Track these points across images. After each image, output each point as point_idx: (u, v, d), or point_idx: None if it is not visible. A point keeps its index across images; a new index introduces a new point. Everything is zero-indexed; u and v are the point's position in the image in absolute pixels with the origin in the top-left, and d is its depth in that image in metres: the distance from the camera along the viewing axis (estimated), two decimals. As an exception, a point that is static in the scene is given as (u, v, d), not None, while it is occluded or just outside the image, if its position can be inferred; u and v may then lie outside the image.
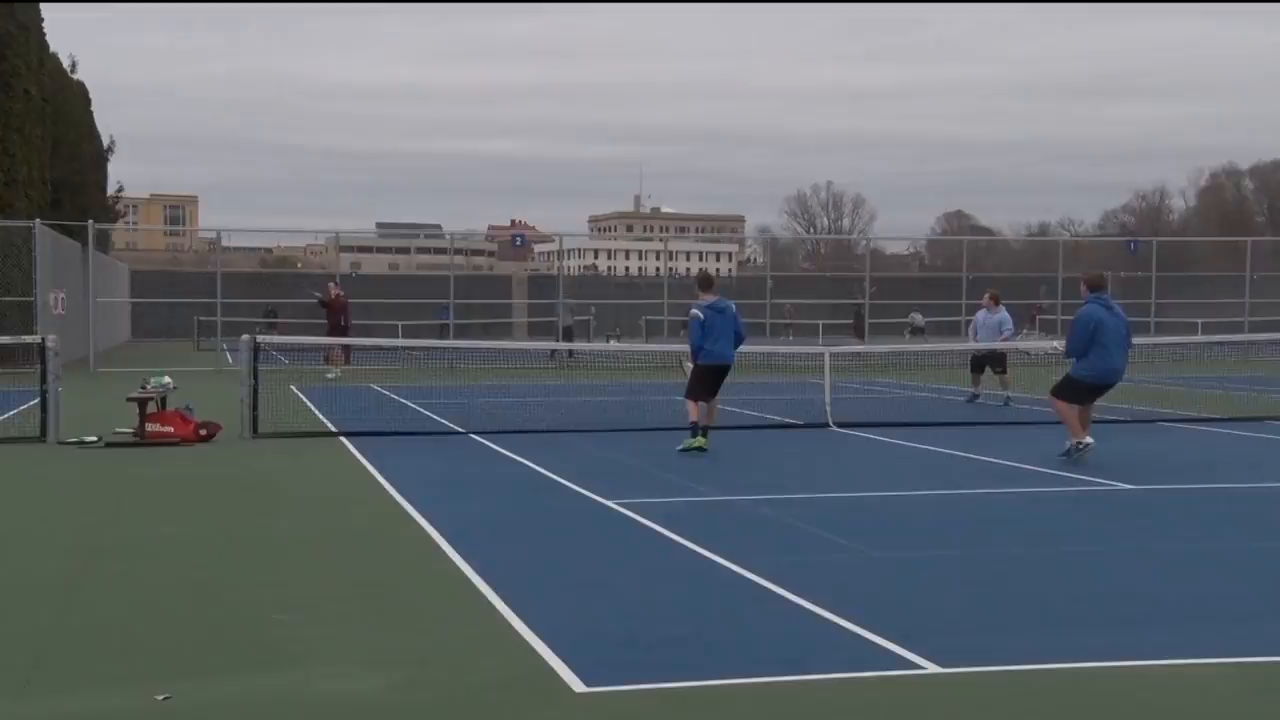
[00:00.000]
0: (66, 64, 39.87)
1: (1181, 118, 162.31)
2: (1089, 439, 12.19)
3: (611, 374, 26.67)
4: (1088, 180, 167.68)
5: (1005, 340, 19.44)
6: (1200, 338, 31.71)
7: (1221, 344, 27.58)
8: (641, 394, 20.66)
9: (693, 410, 13.03)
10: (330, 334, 26.04)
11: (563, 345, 28.71)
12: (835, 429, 15.54)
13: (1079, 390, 12.39)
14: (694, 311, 13.12)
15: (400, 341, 29.81)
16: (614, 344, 36.18)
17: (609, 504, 9.76)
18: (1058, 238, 79.00)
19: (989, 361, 19.42)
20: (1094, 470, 11.50)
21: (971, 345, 20.07)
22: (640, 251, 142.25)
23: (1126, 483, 10.85)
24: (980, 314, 20.02)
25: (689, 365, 13.85)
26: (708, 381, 13.15)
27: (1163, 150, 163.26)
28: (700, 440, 12.86)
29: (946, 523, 9.13)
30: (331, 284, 28.11)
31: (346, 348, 26.05)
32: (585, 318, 41.21)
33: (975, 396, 19.34)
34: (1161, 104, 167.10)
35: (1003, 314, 19.68)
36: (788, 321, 48.34)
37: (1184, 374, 24.86)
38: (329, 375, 24.88)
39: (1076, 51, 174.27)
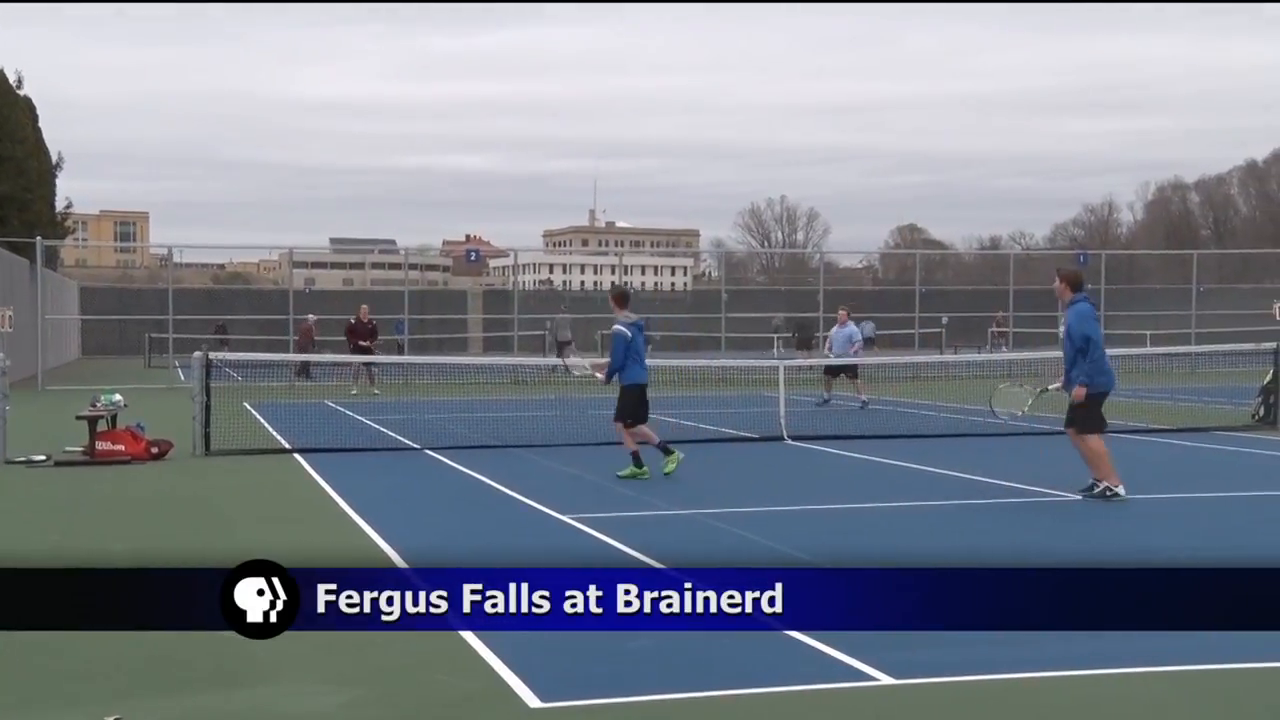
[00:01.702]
0: (12, 79, 39.42)
1: (1131, 131, 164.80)
2: (1121, 488, 10.60)
3: (563, 388, 26.66)
4: (1039, 194, 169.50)
5: (856, 351, 22.54)
6: (1148, 349, 32.17)
7: (1170, 356, 28.00)
8: (596, 408, 20.67)
9: (628, 438, 12.29)
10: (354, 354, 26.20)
11: (569, 361, 28.84)
12: (790, 442, 15.63)
13: (1099, 407, 10.70)
14: (619, 329, 12.40)
15: (409, 359, 29.59)
16: (570, 359, 36.14)
17: (562, 518, 9.77)
18: (1009, 251, 79.98)
19: (842, 369, 22.11)
20: (1043, 481, 11.63)
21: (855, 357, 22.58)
22: (595, 265, 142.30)
23: (1075, 493, 10.99)
24: (834, 329, 23.33)
25: (584, 365, 13.87)
26: (641, 403, 12.46)
27: (1112, 164, 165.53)
28: (644, 470, 12.12)
29: (905, 533, 9.20)
30: (363, 306, 28.13)
31: (369, 366, 25.98)
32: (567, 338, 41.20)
33: (827, 400, 21.90)
34: (1112, 119, 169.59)
35: (851, 328, 22.89)
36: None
37: (1133, 385, 25.20)
38: (352, 392, 24.95)
39: (1030, 67, 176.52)
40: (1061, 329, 11.06)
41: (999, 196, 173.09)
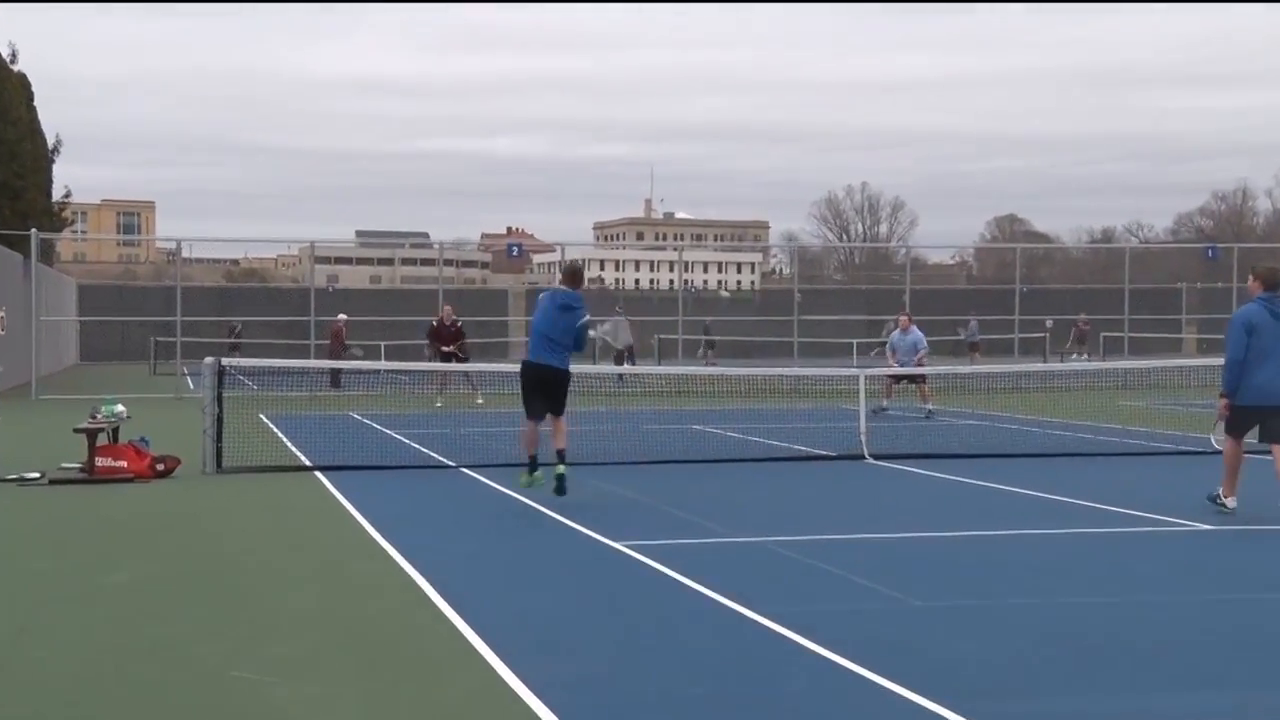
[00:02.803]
0: (5, 53, 40.22)
1: (1265, 107, 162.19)
2: (1230, 502, 11.18)
3: (616, 401, 26.69)
4: (1159, 180, 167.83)
5: (920, 360, 23.29)
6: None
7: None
8: (652, 422, 20.69)
9: (522, 436, 12.12)
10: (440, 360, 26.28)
11: (629, 369, 29.14)
12: (871, 461, 15.54)
13: (1236, 416, 11.25)
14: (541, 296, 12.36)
15: (387, 364, 29.91)
16: (626, 366, 36.23)
17: (613, 545, 9.78)
18: (1124, 244, 79.16)
19: (908, 378, 22.78)
20: (1171, 508, 11.48)
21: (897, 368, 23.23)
22: (652, 262, 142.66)
23: (1207, 523, 10.82)
24: (894, 334, 24.13)
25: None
26: (530, 391, 12.02)
27: (1244, 145, 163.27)
28: (536, 476, 11.90)
29: (997, 567, 9.12)
30: (447, 306, 28.24)
31: (468, 374, 26.13)
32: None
33: (884, 409, 22.61)
34: (1242, 92, 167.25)
35: (917, 333, 23.76)
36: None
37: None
38: (437, 404, 25.30)
39: (1144, 35, 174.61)
40: None
41: (1111, 183, 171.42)
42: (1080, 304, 47.90)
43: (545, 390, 12.02)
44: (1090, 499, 12.14)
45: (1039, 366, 34.07)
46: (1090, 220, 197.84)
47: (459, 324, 27.00)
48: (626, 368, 32.08)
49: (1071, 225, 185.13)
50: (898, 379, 23.07)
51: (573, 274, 12.44)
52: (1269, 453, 11.42)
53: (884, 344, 28.63)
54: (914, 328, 23.86)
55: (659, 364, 38.68)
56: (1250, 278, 11.58)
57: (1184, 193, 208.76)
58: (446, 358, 26.01)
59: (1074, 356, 42.07)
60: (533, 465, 12.10)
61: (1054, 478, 13.80)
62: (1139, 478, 14.18)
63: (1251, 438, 11.45)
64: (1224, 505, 11.25)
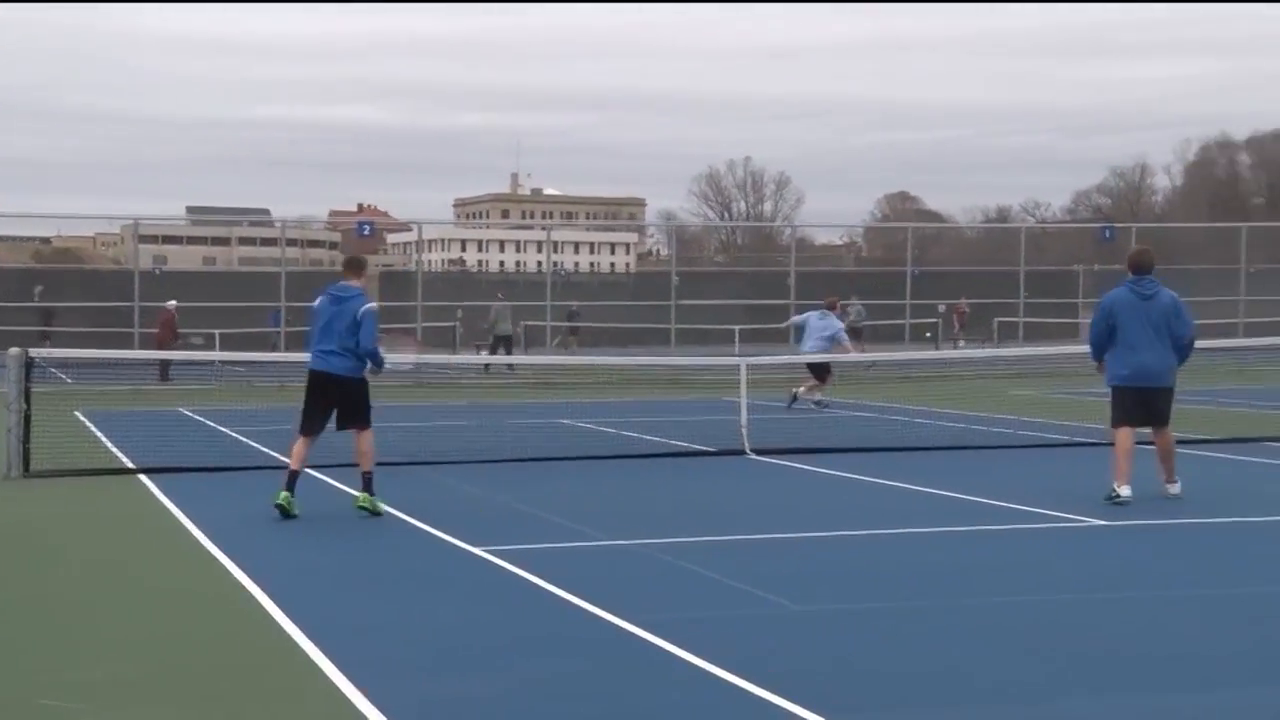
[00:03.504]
0: None
1: (1166, 80, 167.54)
2: (1124, 490, 11.76)
3: (477, 394, 26.60)
4: (1056, 155, 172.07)
5: (840, 347, 23.30)
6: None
7: (1212, 351, 28.42)
8: (517, 416, 20.66)
9: (293, 449, 11.65)
10: None
11: (501, 359, 28.90)
12: (752, 457, 15.70)
13: (1120, 403, 12.07)
14: (374, 305, 11.74)
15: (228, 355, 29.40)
16: (484, 356, 36.15)
17: (474, 551, 9.75)
18: (1019, 224, 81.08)
19: (820, 367, 23.00)
20: (1061, 503, 11.79)
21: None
22: (518, 243, 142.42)
23: (1100, 518, 11.14)
24: (812, 315, 23.87)
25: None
26: (310, 402, 11.70)
27: (1145, 118, 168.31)
28: (285, 497, 11.25)
29: (882, 569, 9.27)
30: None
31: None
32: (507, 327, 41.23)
33: (797, 400, 22.84)
34: (1143, 64, 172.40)
35: (838, 322, 23.75)
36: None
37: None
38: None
39: (1044, 3, 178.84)
40: None
41: (1008, 158, 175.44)
42: (974, 287, 48.87)
43: (329, 400, 11.58)
44: (982, 494, 12.42)
45: (929, 354, 34.73)
46: (985, 198, 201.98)
47: None
48: (500, 357, 32.02)
49: (965, 204, 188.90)
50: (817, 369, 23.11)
51: (350, 264, 12.04)
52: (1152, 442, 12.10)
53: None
54: (832, 314, 23.73)
55: (525, 353, 38.60)
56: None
57: (1082, 169, 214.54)
58: None
59: (958, 344, 42.95)
60: (289, 484, 11.39)
61: (944, 472, 14.08)
62: (1033, 471, 14.55)
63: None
64: (1117, 495, 11.77)
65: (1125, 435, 11.97)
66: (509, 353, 34.86)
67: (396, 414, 20.60)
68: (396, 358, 15.07)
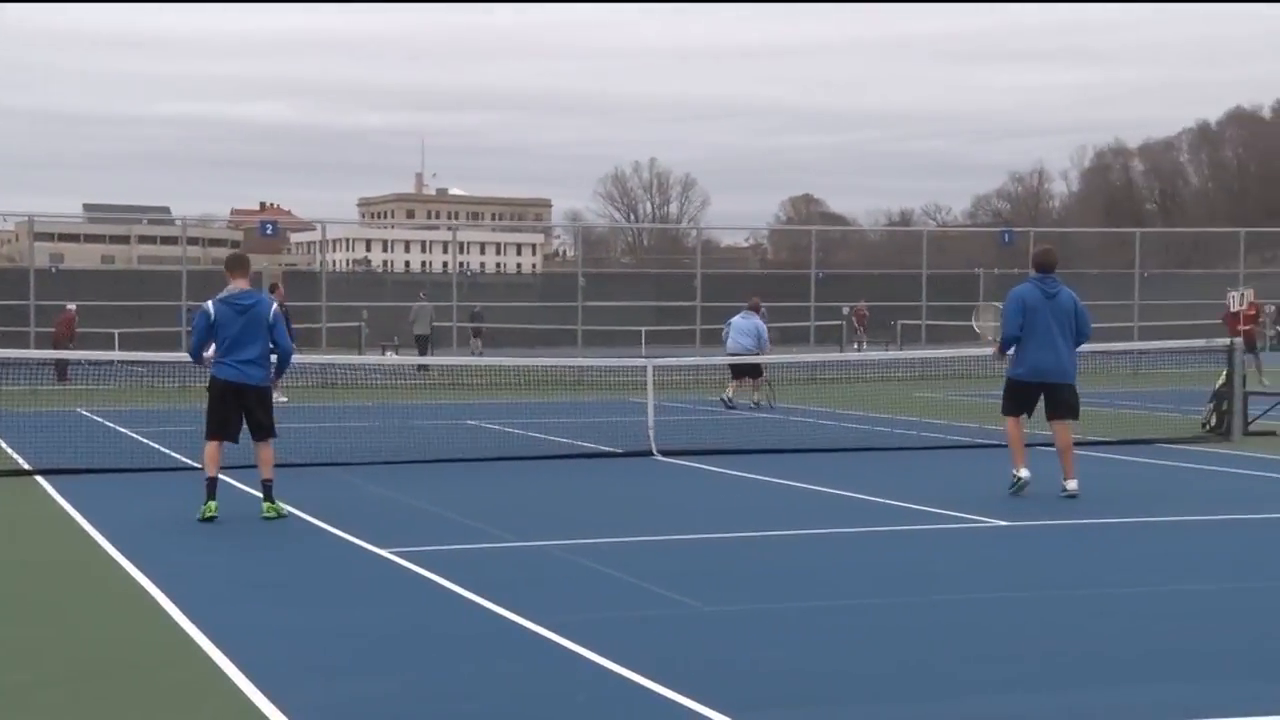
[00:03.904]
0: None
1: (1065, 85, 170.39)
2: (1023, 472, 12.35)
3: (383, 394, 26.42)
4: (957, 160, 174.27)
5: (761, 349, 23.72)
6: (1083, 346, 33.24)
7: (1107, 354, 29.02)
8: (423, 416, 20.53)
9: (207, 454, 11.40)
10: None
11: (426, 360, 28.62)
12: (659, 458, 15.75)
13: (1014, 395, 12.60)
14: (205, 305, 11.40)
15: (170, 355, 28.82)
16: (390, 356, 35.89)
17: (379, 552, 9.69)
18: (921, 228, 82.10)
19: (746, 369, 23.47)
20: (962, 505, 11.95)
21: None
22: (424, 243, 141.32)
23: (1002, 518, 11.32)
24: (738, 318, 24.19)
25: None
26: (221, 409, 11.37)
27: (1043, 124, 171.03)
28: (212, 507, 11.11)
29: (791, 569, 9.35)
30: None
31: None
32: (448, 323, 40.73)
33: (729, 402, 23.15)
34: (1043, 69, 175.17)
35: (760, 322, 24.10)
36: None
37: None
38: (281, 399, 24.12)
39: (947, 6, 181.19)
40: None
41: (910, 163, 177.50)
42: (877, 289, 49.39)
43: (243, 407, 11.34)
44: (886, 495, 12.56)
45: (834, 356, 35.03)
46: (888, 202, 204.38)
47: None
48: (418, 358, 31.80)
49: (869, 207, 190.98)
50: (741, 372, 23.52)
51: (234, 263, 11.62)
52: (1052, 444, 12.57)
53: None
54: (755, 314, 24.17)
55: (432, 354, 38.36)
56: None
57: (982, 174, 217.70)
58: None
59: (854, 346, 43.35)
60: (211, 492, 11.25)
61: (849, 473, 14.23)
62: (935, 472, 14.73)
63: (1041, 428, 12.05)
64: (1018, 478, 12.37)
65: (1015, 423, 12.57)
66: (425, 353, 34.65)
67: (302, 414, 20.39)
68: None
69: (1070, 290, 12.72)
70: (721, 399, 23.28)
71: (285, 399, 24.42)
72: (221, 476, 11.56)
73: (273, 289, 25.85)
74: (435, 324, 38.06)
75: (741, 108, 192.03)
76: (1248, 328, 28.11)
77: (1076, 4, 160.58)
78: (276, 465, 11.53)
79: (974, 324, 11.92)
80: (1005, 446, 12.80)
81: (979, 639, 7.29)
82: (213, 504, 11.17)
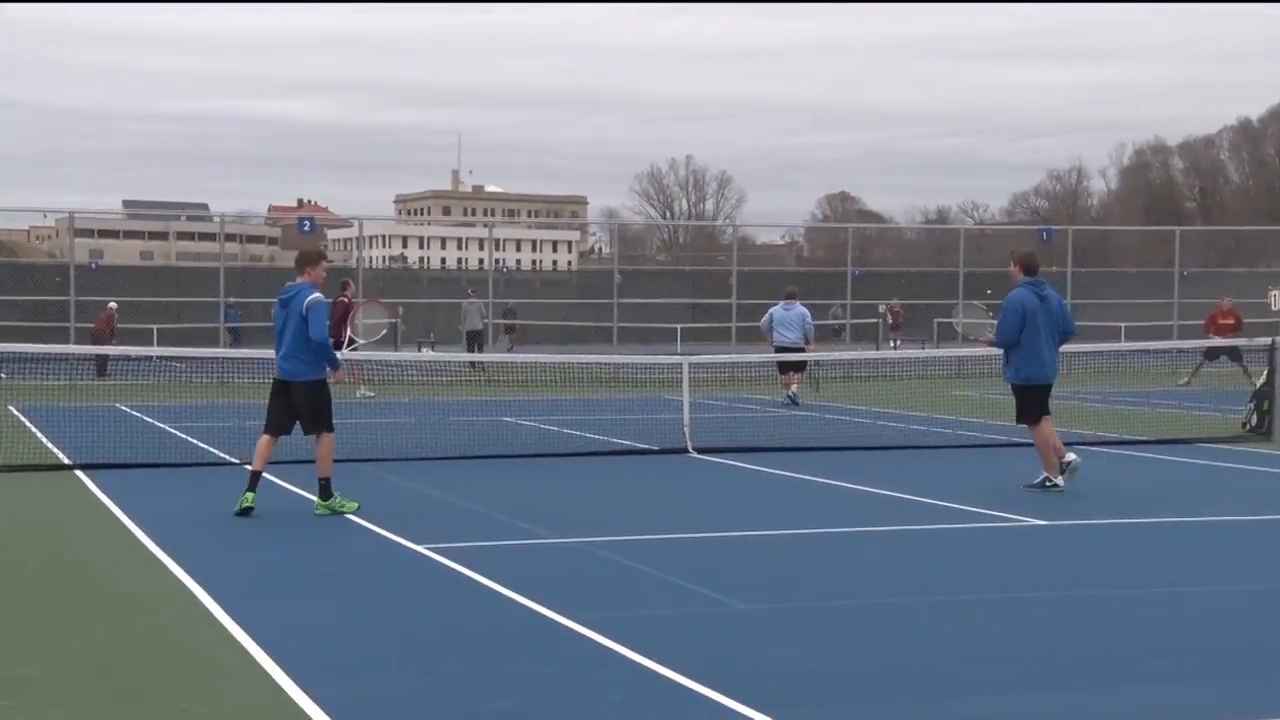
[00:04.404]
0: None
1: (1104, 83, 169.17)
2: (1060, 479, 12.64)
3: (420, 391, 26.49)
4: (995, 158, 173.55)
5: (808, 339, 23.70)
6: (1123, 344, 32.99)
7: (1147, 352, 28.86)
8: (460, 413, 20.58)
9: (257, 448, 11.48)
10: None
11: (476, 356, 28.78)
12: (695, 455, 15.74)
13: (1035, 399, 12.82)
14: (317, 295, 11.42)
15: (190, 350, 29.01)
16: (427, 354, 35.98)
17: (416, 548, 9.72)
18: (959, 225, 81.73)
19: (792, 363, 23.43)
20: (998, 503, 11.90)
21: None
22: (460, 240, 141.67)
23: (1038, 518, 11.25)
24: (779, 307, 23.93)
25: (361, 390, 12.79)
26: (270, 403, 11.62)
27: (1082, 122, 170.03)
28: (249, 499, 11.20)
29: (829, 567, 9.33)
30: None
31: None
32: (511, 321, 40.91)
33: (795, 400, 23.13)
34: (1082, 67, 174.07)
35: (800, 308, 23.88)
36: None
37: (1103, 388, 25.87)
38: (368, 393, 24.31)
39: (982, 5, 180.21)
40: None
41: (946, 161, 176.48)
42: (914, 287, 49.19)
43: (289, 402, 11.45)
44: (924, 494, 12.51)
45: (870, 354, 34.88)
46: (925, 199, 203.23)
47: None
48: (470, 355, 31.87)
49: (905, 204, 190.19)
50: (789, 366, 23.44)
51: (298, 260, 11.84)
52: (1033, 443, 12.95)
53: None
54: (797, 303, 24.00)
55: (468, 351, 38.45)
56: (1011, 264, 13.17)
57: (1020, 172, 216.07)
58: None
59: (889, 344, 43.16)
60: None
61: (887, 471, 14.18)
62: (972, 471, 14.66)
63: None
64: (1057, 484, 12.59)
65: (1050, 425, 12.79)
66: (480, 349, 34.76)
67: (340, 412, 20.48)
68: (346, 354, 14.92)
69: (1055, 291, 13.26)
70: (788, 397, 23.30)
71: (372, 393, 24.56)
72: (265, 474, 11.59)
73: (344, 287, 26.11)
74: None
75: (776, 106, 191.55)
76: (1229, 322, 28.27)
77: (1116, 2, 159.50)
78: (304, 463, 11.52)
79: (955, 322, 11.95)
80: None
81: (1018, 638, 7.24)
82: (250, 495, 11.20)
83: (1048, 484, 12.62)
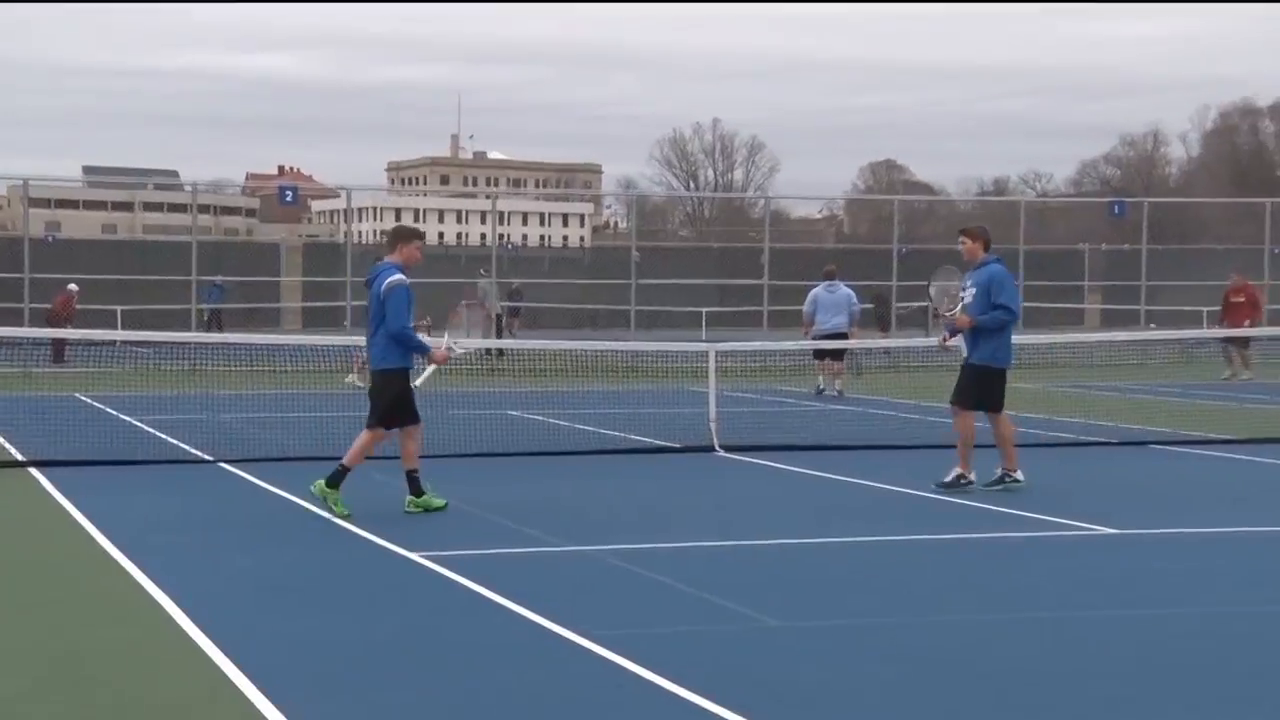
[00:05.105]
0: None
1: (1185, 36, 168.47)
2: (1021, 473, 12.95)
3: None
4: (1060, 121, 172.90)
5: (854, 323, 24.04)
6: (1204, 331, 32.80)
7: (1232, 340, 28.69)
8: (460, 406, 20.61)
9: (407, 454, 11.82)
10: None
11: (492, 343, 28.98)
12: (722, 454, 15.74)
13: (1003, 386, 13.07)
14: (397, 277, 11.56)
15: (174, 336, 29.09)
16: (462, 341, 35.91)
17: (410, 556, 9.74)
18: (1019, 198, 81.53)
19: (829, 350, 23.49)
20: (1062, 509, 11.87)
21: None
22: (460, 212, 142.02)
23: (1108, 525, 11.23)
24: (820, 289, 24.13)
25: (426, 368, 12.99)
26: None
27: (1160, 80, 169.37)
28: (329, 492, 11.41)
29: (870, 580, 9.33)
30: None
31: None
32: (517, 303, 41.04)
33: (823, 390, 23.60)
34: (1159, 18, 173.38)
35: (845, 289, 24.04)
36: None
37: (1183, 380, 25.81)
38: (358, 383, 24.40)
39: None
40: (964, 296, 12.95)
41: (1004, 125, 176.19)
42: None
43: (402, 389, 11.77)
44: (976, 498, 12.49)
45: (920, 342, 34.84)
46: (980, 168, 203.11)
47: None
48: (499, 341, 31.88)
49: (958, 174, 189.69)
50: (824, 353, 23.66)
51: (389, 237, 12.17)
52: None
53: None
54: (840, 283, 24.20)
55: (467, 334, 38.53)
56: (965, 239, 13.10)
57: (1088, 137, 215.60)
58: None
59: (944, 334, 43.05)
60: (335, 477, 11.44)
61: (935, 473, 14.13)
62: (1034, 473, 14.61)
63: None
64: (1017, 480, 12.83)
65: (1006, 420, 13.07)
66: (496, 334, 34.85)
67: (318, 403, 20.55)
68: (467, 342, 15.19)
69: None
70: (823, 388, 23.55)
71: (362, 384, 24.48)
72: (230, 468, 11.63)
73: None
74: (469, 303, 38.21)
75: (814, 62, 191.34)
76: (1240, 300, 28.09)
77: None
78: (285, 460, 11.56)
79: (930, 287, 11.91)
80: (1109, 444, 12.73)
81: (1091, 664, 7.23)
82: (409, 499, 11.51)
83: (1007, 479, 12.82)
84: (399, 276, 11.50)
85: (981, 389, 12.86)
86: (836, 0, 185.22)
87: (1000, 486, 12.75)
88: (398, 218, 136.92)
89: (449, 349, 12.57)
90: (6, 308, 35.31)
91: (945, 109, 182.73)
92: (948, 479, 12.86)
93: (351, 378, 24.66)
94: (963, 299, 12.95)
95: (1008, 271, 13.13)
